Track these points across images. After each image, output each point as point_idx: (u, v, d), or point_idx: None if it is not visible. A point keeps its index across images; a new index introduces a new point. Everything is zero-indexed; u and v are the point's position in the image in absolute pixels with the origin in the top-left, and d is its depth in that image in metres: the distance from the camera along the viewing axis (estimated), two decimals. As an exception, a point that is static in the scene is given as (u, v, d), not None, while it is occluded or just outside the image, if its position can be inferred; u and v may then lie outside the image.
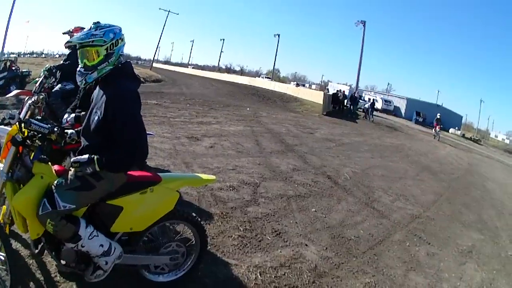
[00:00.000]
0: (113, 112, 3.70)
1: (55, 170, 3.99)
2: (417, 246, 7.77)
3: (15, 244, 5.02)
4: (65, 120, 4.50)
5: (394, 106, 63.58)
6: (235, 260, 5.75)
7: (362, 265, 6.39)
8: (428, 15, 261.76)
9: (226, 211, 7.46)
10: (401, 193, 11.85)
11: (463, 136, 57.46)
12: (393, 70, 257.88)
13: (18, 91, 11.42)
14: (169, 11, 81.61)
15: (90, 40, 3.79)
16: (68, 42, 4.21)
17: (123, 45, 4.04)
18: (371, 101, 46.39)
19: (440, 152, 27.01)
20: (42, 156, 3.90)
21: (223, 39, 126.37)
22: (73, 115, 4.53)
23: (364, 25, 60.60)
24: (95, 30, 3.83)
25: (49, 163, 3.95)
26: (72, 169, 3.87)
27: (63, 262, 3.99)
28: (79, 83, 4.04)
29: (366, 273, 6.14)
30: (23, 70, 28.91)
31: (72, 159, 3.78)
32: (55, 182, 3.83)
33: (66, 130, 4.08)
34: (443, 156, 24.96)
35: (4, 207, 4.17)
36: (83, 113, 4.40)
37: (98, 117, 3.80)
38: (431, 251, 7.64)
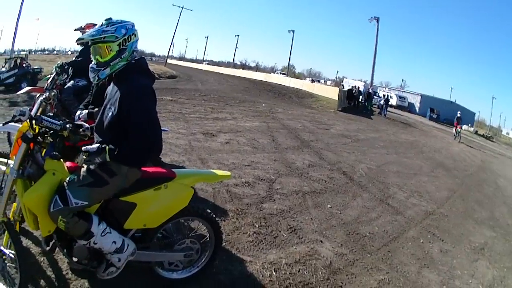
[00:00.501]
0: (127, 107, 3.64)
1: (67, 166, 3.93)
2: (431, 243, 7.66)
3: (26, 242, 4.99)
4: (77, 117, 4.43)
5: (409, 102, 63.24)
6: (250, 256, 5.67)
7: (376, 262, 6.30)
8: (441, 11, 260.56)
9: (242, 207, 7.38)
10: (416, 190, 11.72)
11: (476, 132, 56.89)
12: (407, 66, 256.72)
13: (29, 88, 11.36)
14: (182, 7, 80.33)
15: (101, 36, 3.75)
16: (79, 39, 4.18)
17: (136, 40, 3.99)
18: (385, 97, 46.19)
19: (453, 148, 26.77)
20: (54, 152, 3.83)
21: (238, 35, 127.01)
22: (85, 111, 4.46)
23: (377, 21, 60.12)
24: (106, 26, 3.79)
25: (61, 159, 3.88)
26: (85, 166, 3.82)
27: (75, 259, 3.95)
28: (92, 79, 4.00)
29: (380, 270, 6.06)
30: (35, 67, 29.11)
31: (83, 148, 3.71)
32: (67, 178, 3.76)
33: (80, 123, 4.01)
34: (457, 152, 24.73)
35: (15, 204, 4.15)
36: (96, 109, 4.33)
37: (112, 113, 3.74)
38: (445, 248, 7.54)
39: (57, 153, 3.82)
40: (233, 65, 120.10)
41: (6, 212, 3.93)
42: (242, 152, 12.08)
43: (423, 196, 11.14)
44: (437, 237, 8.05)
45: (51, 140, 3.81)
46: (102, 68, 3.84)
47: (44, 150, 3.89)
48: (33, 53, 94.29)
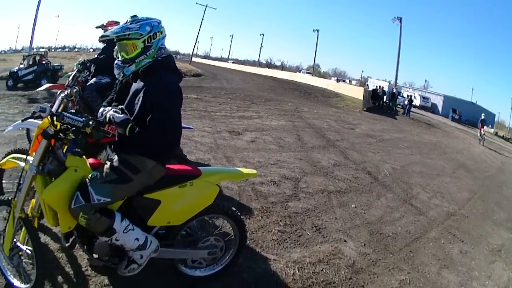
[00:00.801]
0: (152, 103, 3.60)
1: (90, 163, 3.88)
2: (451, 243, 7.51)
3: (44, 238, 4.98)
4: (101, 114, 4.32)
5: (432, 103, 62.55)
6: (274, 255, 5.60)
7: (398, 262, 6.17)
8: (461, 12, 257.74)
9: (267, 205, 7.30)
10: (438, 190, 11.52)
11: (496, 134, 55.77)
12: (430, 66, 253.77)
13: (50, 84, 11.32)
14: (206, 6, 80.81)
15: (126, 33, 3.71)
16: (103, 36, 4.11)
17: (163, 38, 3.93)
18: (409, 97, 45.78)
19: (475, 150, 26.35)
20: (76, 149, 3.74)
21: (263, 34, 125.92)
22: (109, 108, 4.28)
23: (400, 22, 59.71)
24: (130, 24, 3.75)
25: (84, 156, 3.83)
26: (108, 163, 3.79)
27: (95, 255, 3.90)
28: (117, 76, 3.97)
29: (402, 270, 5.94)
30: (55, 64, 29.55)
31: (108, 113, 3.72)
32: (90, 175, 3.72)
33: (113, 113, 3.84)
34: (477, 154, 24.34)
35: (33, 200, 4.07)
36: (120, 106, 4.28)
37: (137, 109, 3.71)
38: (464, 249, 7.38)
39: (79, 150, 3.75)
40: (258, 63, 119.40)
41: (24, 208, 3.90)
42: (268, 150, 11.98)
43: (445, 197, 10.95)
44: (457, 238, 7.89)
45: (73, 136, 3.74)
46: (127, 65, 3.81)
47: (66, 147, 3.84)
48: (53, 50, 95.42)
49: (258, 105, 23.35)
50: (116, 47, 4.00)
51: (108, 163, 3.80)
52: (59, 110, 4.75)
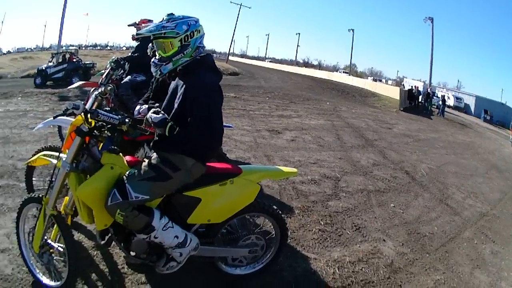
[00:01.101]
0: (192, 101, 3.51)
1: (127, 161, 3.81)
2: (483, 244, 7.31)
3: (78, 236, 4.97)
4: (137, 112, 4.25)
5: (465, 103, 61.34)
6: (314, 254, 5.52)
7: (434, 262, 6.03)
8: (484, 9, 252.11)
9: (307, 204, 7.23)
10: (472, 191, 11.21)
11: (526, 134, 54.31)
12: (462, 66, 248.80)
13: (82, 82, 11.20)
14: (241, 5, 79.17)
15: (161, 32, 3.61)
16: (138, 33, 4.09)
17: (201, 36, 3.81)
18: (442, 97, 45.03)
19: (505, 150, 25.48)
20: (113, 146, 3.70)
21: (299, 33, 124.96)
22: (145, 106, 4.26)
23: (432, 22, 58.47)
24: (166, 22, 3.64)
25: (120, 153, 3.76)
26: (146, 160, 3.73)
27: (132, 253, 3.84)
28: (154, 74, 3.87)
29: (437, 270, 5.80)
30: (86, 62, 29.35)
31: (147, 115, 3.61)
32: (127, 172, 3.65)
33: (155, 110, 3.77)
34: (508, 154, 23.52)
35: (67, 198, 4.06)
36: (156, 104, 4.19)
37: (176, 107, 3.65)
38: (495, 249, 7.17)
39: (115, 147, 3.70)
40: (295, 63, 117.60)
41: (56, 206, 3.85)
42: (308, 149, 11.89)
43: (478, 197, 10.67)
44: (489, 238, 7.68)
45: (109, 134, 3.71)
46: (165, 63, 3.72)
47: (101, 144, 3.82)
48: (83, 48, 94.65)
49: (296, 104, 23.19)
50: (150, 44, 3.98)
51: (146, 160, 3.75)
52: (93, 108, 4.71)
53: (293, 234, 5.95)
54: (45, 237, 3.95)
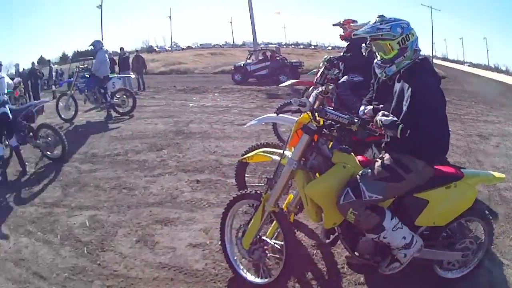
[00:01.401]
0: (419, 105, 3.33)
1: (359, 160, 3.71)
2: None
3: (297, 234, 4.89)
4: (361, 112, 4.14)
5: None
6: (508, 260, 5.11)
7: None
8: None
9: (510, 211, 6.70)
10: None
11: None
12: None
13: (295, 80, 11.31)
14: (431, 7, 74.85)
15: (378, 34, 3.52)
16: (354, 34, 3.94)
17: (415, 39, 3.63)
18: None
19: None
20: (344, 146, 3.62)
21: (485, 38, 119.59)
22: (370, 107, 4.11)
23: None
24: (380, 24, 3.54)
25: (352, 153, 3.68)
26: (379, 160, 3.60)
27: (357, 253, 3.77)
28: (379, 75, 3.80)
29: None
30: (292, 61, 28.71)
31: (375, 118, 3.50)
32: (360, 172, 3.54)
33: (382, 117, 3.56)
34: None
35: (290, 195, 4.03)
36: (381, 105, 4.06)
37: (405, 110, 3.46)
38: None
39: (347, 147, 3.62)
40: (488, 67, 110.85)
41: (278, 203, 3.79)
42: (510, 156, 10.84)
43: None
44: None
45: (336, 133, 3.59)
46: (388, 65, 3.60)
47: (331, 143, 3.70)
48: (284, 46, 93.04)
49: (496, 110, 21.77)
50: (363, 45, 3.83)
51: (379, 160, 3.63)
52: (315, 106, 4.64)
53: (495, 239, 5.35)
54: (260, 234, 3.93)
